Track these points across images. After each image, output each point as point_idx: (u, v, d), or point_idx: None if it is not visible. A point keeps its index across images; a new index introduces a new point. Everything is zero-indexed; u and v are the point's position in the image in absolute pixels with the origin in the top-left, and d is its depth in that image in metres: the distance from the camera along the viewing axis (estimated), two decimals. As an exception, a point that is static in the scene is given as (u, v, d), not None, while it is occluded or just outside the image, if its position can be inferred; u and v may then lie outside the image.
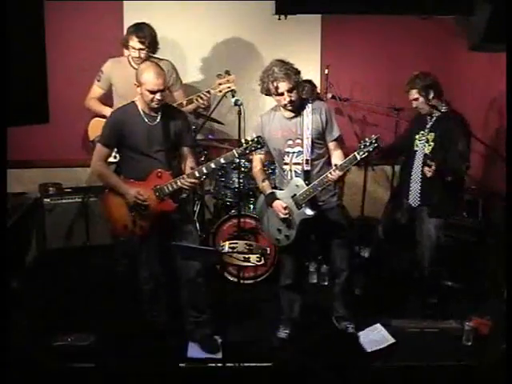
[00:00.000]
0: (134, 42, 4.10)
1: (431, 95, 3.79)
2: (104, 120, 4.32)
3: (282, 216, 3.43)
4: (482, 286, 4.21)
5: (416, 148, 3.91)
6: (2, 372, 2.28)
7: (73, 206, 4.84)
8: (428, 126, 3.87)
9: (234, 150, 3.28)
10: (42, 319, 3.73)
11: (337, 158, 3.42)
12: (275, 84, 3.31)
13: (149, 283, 3.55)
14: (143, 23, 4.16)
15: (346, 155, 3.35)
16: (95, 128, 4.39)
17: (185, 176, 3.33)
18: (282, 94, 3.33)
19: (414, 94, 3.82)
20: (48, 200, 4.81)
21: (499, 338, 3.36)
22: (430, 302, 4.02)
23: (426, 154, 3.83)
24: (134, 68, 4.18)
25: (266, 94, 3.43)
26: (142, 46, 4.10)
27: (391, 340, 3.63)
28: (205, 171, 3.32)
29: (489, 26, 2.83)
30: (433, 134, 3.83)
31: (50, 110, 2.63)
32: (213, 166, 3.32)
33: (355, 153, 3.21)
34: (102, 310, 3.95)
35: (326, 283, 4.40)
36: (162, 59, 4.23)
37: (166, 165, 3.39)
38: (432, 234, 3.89)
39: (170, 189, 3.34)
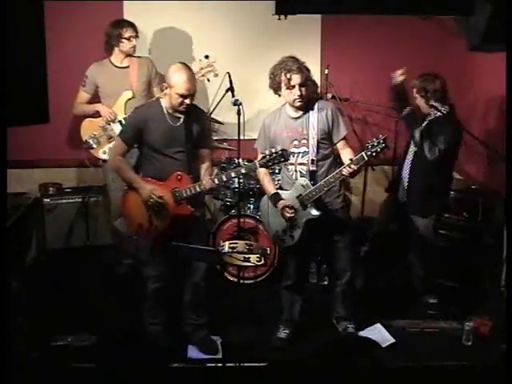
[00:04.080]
0: (130, 32, 4.32)
1: (431, 97, 3.80)
2: (96, 119, 4.39)
3: (288, 216, 3.42)
4: (481, 286, 4.21)
5: (411, 146, 3.97)
6: (2, 372, 2.28)
7: (73, 205, 4.84)
8: (422, 126, 3.88)
9: (256, 161, 3.26)
10: (41, 319, 3.73)
11: (347, 155, 3.39)
12: (288, 76, 3.30)
13: (157, 282, 3.50)
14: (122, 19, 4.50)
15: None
16: (87, 128, 4.44)
17: (204, 182, 3.29)
18: (293, 87, 3.32)
19: (414, 93, 3.88)
20: (48, 200, 4.82)
21: (499, 337, 3.37)
22: (430, 302, 4.02)
23: (415, 152, 3.90)
24: (118, 67, 4.39)
25: (274, 91, 3.42)
26: (136, 33, 4.36)
27: (391, 340, 3.63)
28: (224, 179, 3.29)
29: (489, 26, 2.82)
30: (428, 133, 3.84)
31: (49, 110, 2.62)
32: (233, 175, 3.29)
33: (363, 153, 3.20)
34: (102, 310, 3.95)
35: (326, 283, 4.40)
36: (141, 57, 4.50)
37: (187, 166, 3.34)
38: (419, 234, 3.94)
39: (189, 193, 3.29)
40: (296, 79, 3.31)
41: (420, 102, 3.87)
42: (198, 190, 3.29)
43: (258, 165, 3.25)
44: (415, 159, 3.92)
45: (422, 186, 3.89)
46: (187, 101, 3.23)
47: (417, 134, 3.80)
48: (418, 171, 3.91)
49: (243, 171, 3.29)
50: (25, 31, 2.39)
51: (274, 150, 3.23)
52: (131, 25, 4.35)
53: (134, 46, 4.37)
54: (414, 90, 3.87)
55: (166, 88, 3.27)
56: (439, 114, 3.82)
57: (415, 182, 3.93)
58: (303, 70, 3.33)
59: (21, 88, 2.40)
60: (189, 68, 3.30)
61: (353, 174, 3.29)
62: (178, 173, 3.31)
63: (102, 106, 4.38)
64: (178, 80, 3.20)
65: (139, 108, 3.51)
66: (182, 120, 3.33)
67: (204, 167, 3.44)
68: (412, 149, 3.95)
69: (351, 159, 3.24)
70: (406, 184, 3.98)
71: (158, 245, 3.43)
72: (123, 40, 4.32)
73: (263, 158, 3.23)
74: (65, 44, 4.78)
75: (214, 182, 3.29)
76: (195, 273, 3.46)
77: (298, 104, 3.38)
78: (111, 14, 4.71)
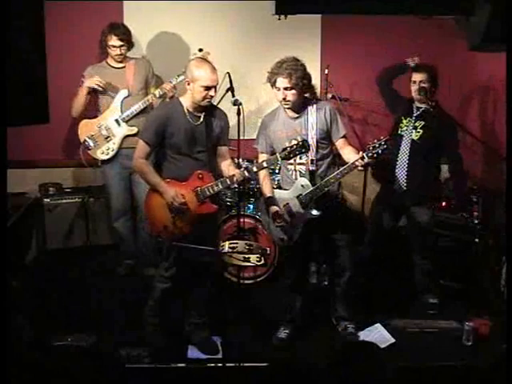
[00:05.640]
0: (114, 41, 4.28)
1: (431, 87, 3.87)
2: (93, 120, 4.38)
3: (277, 224, 3.42)
4: (481, 286, 4.21)
5: (402, 133, 3.97)
6: (2, 372, 2.28)
7: (73, 205, 4.85)
8: (415, 114, 3.93)
9: (277, 154, 3.25)
10: (41, 319, 3.73)
11: (350, 152, 3.39)
12: (275, 77, 3.31)
13: (167, 283, 3.48)
14: (118, 23, 4.40)
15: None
16: (85, 129, 4.44)
17: (226, 179, 3.26)
18: (279, 90, 3.33)
19: (415, 78, 3.90)
20: (48, 200, 4.82)
21: (499, 338, 3.37)
22: (430, 301, 4.03)
23: (413, 140, 3.91)
24: (114, 67, 4.40)
25: (272, 85, 3.42)
26: (121, 43, 4.29)
27: (391, 340, 3.63)
28: (247, 175, 3.23)
29: (489, 26, 2.82)
30: (421, 122, 3.89)
31: (50, 110, 2.62)
32: (255, 169, 3.26)
33: (364, 154, 3.21)
34: (102, 310, 3.95)
35: (326, 283, 4.40)
36: (138, 58, 4.52)
37: (208, 165, 3.32)
38: (419, 226, 3.98)
39: (212, 191, 3.26)
40: (281, 83, 3.31)
41: (414, 93, 3.91)
42: (220, 187, 3.27)
43: (279, 157, 3.23)
44: (412, 148, 3.92)
45: (420, 174, 3.91)
46: (211, 93, 3.21)
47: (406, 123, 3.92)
48: (416, 160, 3.92)
49: (265, 165, 3.27)
50: (25, 31, 2.38)
51: (294, 142, 3.23)
52: (123, 32, 4.29)
53: (121, 55, 4.33)
54: (416, 78, 3.90)
55: (189, 84, 3.23)
56: (430, 106, 3.86)
57: (416, 171, 3.92)
58: (292, 74, 3.28)
59: (21, 88, 2.39)
60: (208, 61, 3.30)
61: (365, 165, 3.28)
62: (199, 171, 3.29)
63: (88, 79, 4.33)
64: (201, 72, 3.18)
65: (159, 107, 3.50)
66: (202, 119, 3.31)
67: (226, 164, 3.42)
68: (408, 137, 3.93)
69: (365, 153, 3.22)
70: (405, 173, 3.94)
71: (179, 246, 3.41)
72: (111, 47, 4.31)
73: (284, 150, 3.21)
74: (65, 44, 4.78)
75: (236, 178, 3.22)
76: (203, 273, 3.45)
77: (284, 106, 3.40)
78: (111, 14, 4.72)
